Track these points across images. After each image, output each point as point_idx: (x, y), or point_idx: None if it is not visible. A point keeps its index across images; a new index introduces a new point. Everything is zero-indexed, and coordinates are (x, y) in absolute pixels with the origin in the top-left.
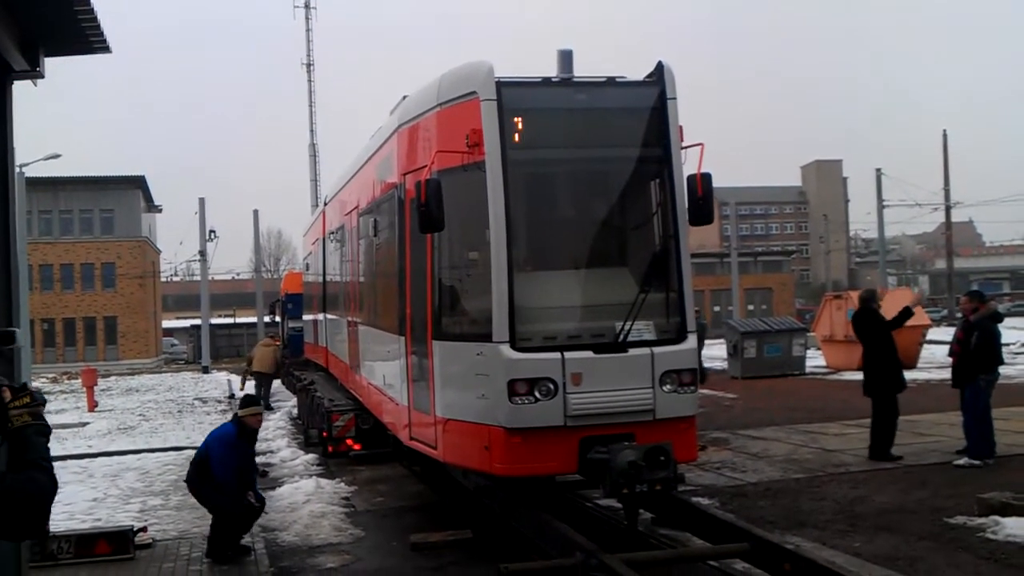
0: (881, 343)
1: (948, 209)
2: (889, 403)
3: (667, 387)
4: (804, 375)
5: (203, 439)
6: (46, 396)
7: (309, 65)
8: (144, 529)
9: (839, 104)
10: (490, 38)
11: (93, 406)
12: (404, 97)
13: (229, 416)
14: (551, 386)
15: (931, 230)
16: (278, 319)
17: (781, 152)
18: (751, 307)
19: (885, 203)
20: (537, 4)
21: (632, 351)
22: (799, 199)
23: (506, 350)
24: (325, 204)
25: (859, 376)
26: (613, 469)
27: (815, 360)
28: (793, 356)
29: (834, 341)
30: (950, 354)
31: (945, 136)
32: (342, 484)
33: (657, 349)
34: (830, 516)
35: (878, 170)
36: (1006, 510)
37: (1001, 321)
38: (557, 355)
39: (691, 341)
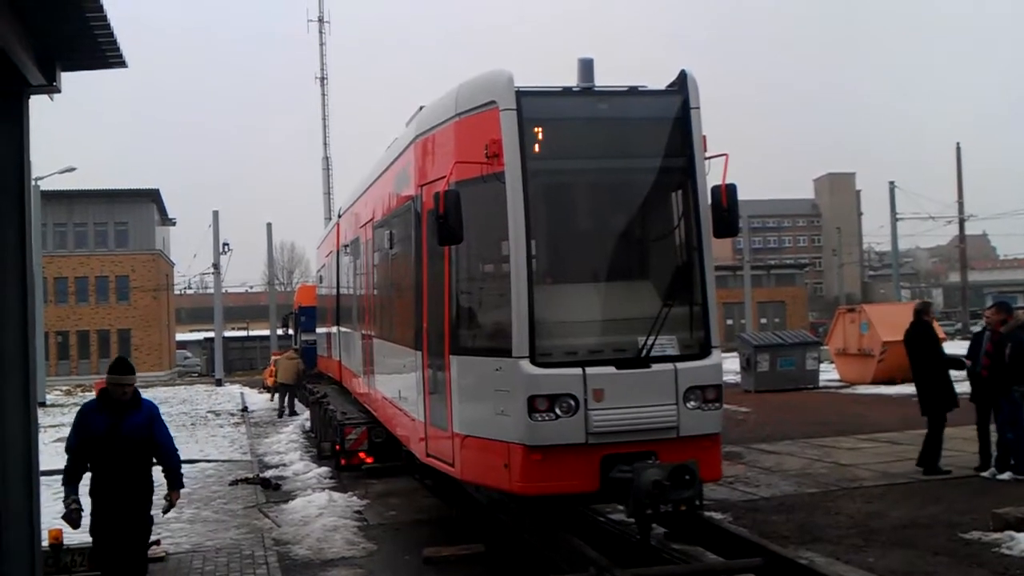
0: (936, 358)
1: (962, 222)
2: (941, 418)
3: (691, 404)
4: (818, 389)
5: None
6: (61, 409)
7: (323, 79)
8: (157, 542)
9: (852, 117)
10: (507, 52)
11: None
12: (420, 108)
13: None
14: (572, 402)
15: (945, 243)
16: (291, 332)
17: (794, 165)
18: (764, 320)
19: (898, 216)
20: (549, 16)
21: (655, 367)
22: (812, 212)
23: (526, 365)
24: (339, 216)
25: (873, 390)
26: (637, 489)
27: (828, 374)
28: (807, 370)
29: (848, 355)
30: (978, 368)
31: (959, 149)
32: (355, 497)
33: (681, 364)
34: (844, 531)
35: (891, 183)
36: (1022, 525)
37: None
38: (578, 371)
39: (716, 356)
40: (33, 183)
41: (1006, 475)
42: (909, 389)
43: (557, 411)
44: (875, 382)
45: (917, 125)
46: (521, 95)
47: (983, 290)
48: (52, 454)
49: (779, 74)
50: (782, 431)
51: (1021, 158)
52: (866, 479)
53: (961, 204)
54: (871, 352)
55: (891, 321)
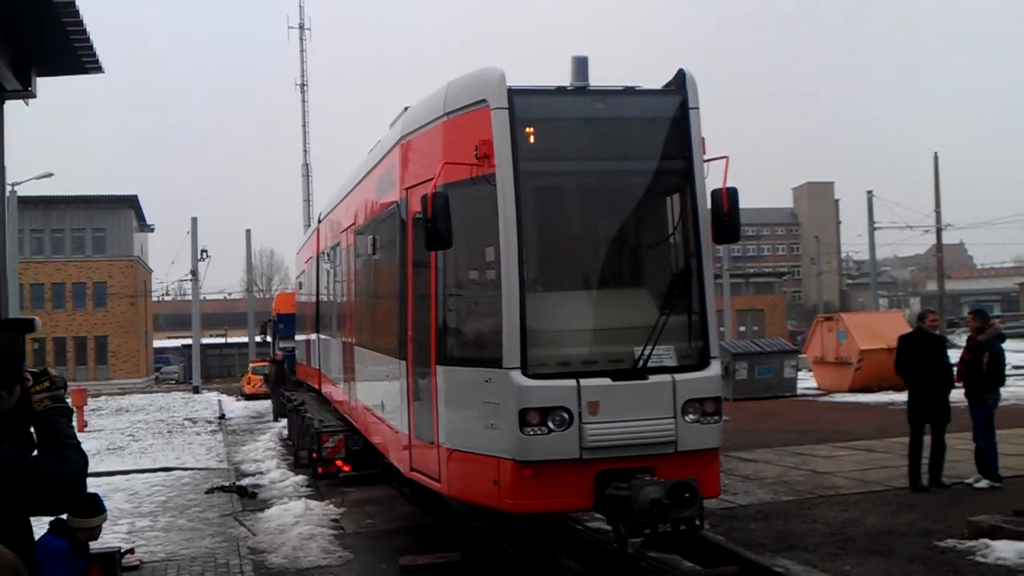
0: (939, 368)
1: (939, 231)
2: (922, 430)
3: (690, 417)
4: (795, 397)
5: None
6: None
7: (303, 86)
8: (132, 551)
9: (831, 126)
10: (496, 57)
11: (82, 426)
12: (405, 109)
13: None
14: (566, 416)
15: (922, 252)
16: (269, 339)
17: (773, 174)
18: (743, 328)
19: (876, 225)
20: (541, 24)
21: (652, 378)
22: (791, 221)
23: (517, 377)
24: (320, 221)
25: (851, 398)
26: (635, 507)
27: (806, 382)
28: (784, 378)
29: (825, 363)
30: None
31: (936, 159)
32: (331, 506)
33: (679, 376)
34: (820, 539)
35: (869, 192)
36: (996, 533)
37: (1004, 341)
38: (572, 382)
39: (715, 367)
40: (10, 188)
41: (983, 483)
42: (886, 397)
43: (550, 425)
44: (852, 390)
45: (896, 135)
46: (513, 93)
47: (960, 299)
48: None
49: (757, 83)
50: (760, 439)
51: (999, 168)
52: (843, 487)
53: (939, 213)
54: (849, 360)
55: (869, 329)
